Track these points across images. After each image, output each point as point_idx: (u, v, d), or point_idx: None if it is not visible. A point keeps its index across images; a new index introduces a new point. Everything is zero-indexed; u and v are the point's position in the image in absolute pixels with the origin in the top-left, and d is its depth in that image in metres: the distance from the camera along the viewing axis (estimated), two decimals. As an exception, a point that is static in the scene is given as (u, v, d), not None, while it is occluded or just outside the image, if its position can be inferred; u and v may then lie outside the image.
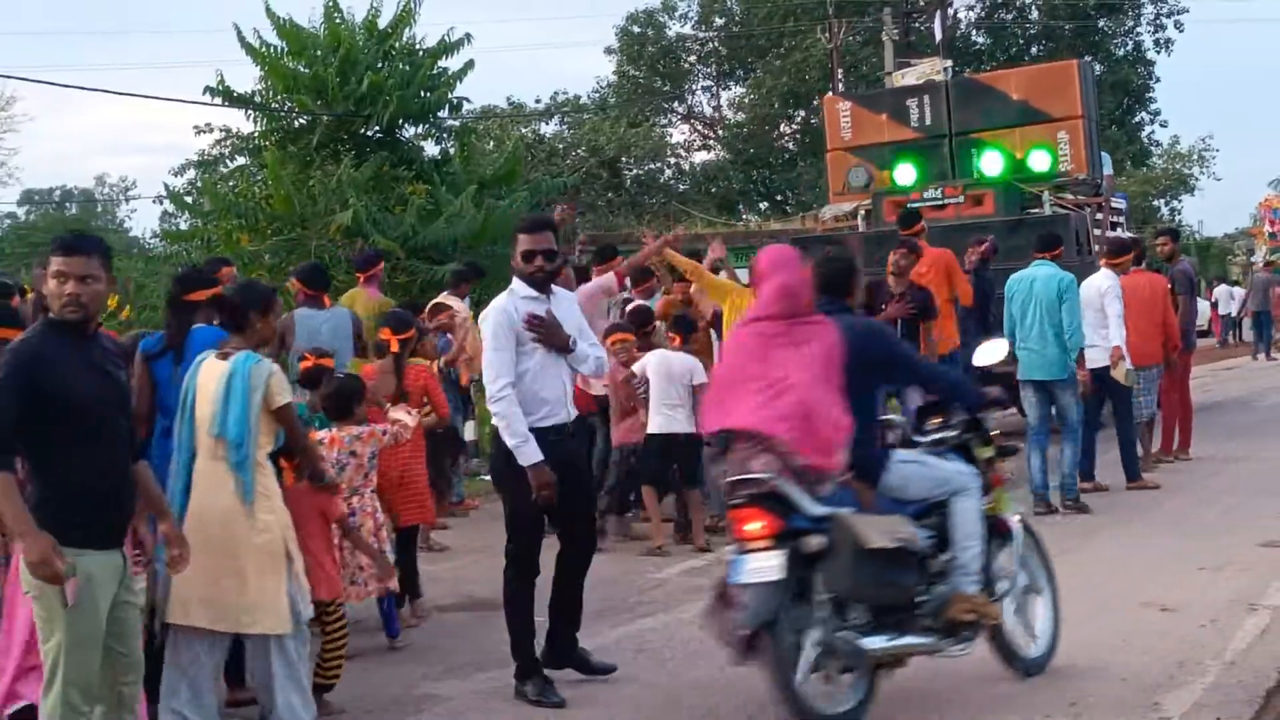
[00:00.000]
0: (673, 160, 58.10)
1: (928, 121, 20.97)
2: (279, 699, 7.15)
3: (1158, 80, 55.54)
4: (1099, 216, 20.23)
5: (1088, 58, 54.32)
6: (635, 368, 12.35)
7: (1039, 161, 19.81)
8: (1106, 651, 8.41)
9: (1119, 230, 20.90)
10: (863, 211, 20.78)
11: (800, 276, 7.38)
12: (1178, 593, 9.73)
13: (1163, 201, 60.18)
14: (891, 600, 7.13)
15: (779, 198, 56.93)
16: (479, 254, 21.34)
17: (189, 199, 26.04)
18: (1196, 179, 64.60)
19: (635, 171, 54.74)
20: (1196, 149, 65.20)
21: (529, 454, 7.78)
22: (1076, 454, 13.80)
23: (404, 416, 9.39)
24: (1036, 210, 19.24)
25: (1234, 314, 42.34)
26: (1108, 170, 23.46)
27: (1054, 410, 13.78)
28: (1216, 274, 55.16)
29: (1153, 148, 59.67)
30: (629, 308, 13.48)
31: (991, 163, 19.97)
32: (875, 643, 7.04)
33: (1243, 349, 38.74)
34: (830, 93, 45.97)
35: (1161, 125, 58.07)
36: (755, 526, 6.89)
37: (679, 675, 8.41)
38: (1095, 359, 14.25)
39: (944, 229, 17.89)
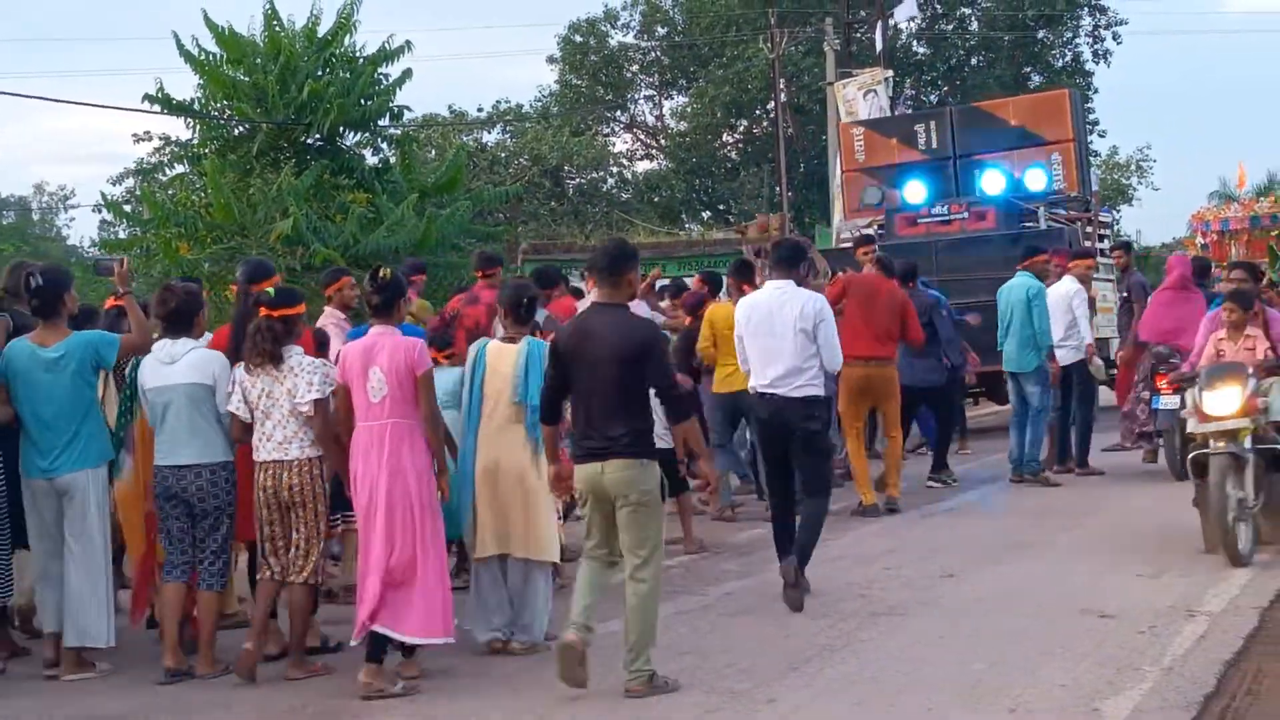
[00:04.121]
0: (615, 169, 58.23)
1: (934, 145, 22.75)
2: (538, 615, 9.16)
3: (1096, 91, 55.95)
4: (1089, 230, 22.13)
5: (1027, 68, 54.95)
6: None
7: (1035, 181, 21.68)
8: (1046, 658, 8.44)
9: (1105, 242, 22.75)
10: (876, 227, 21.91)
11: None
12: (1117, 599, 9.77)
13: (1103, 211, 60.49)
14: None
15: (721, 207, 57.02)
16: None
17: (128, 207, 25.88)
18: (1135, 189, 65.18)
19: (578, 180, 54.79)
20: (1135, 159, 65.77)
21: None
22: (1039, 436, 15.89)
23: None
24: (1033, 225, 20.88)
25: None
26: (1096, 188, 26.13)
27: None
28: (1154, 283, 55.51)
29: (1092, 158, 60.05)
30: None
31: (992, 182, 21.67)
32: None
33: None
34: (772, 102, 46.27)
35: (1100, 135, 58.42)
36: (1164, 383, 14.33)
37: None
38: (1064, 357, 15.95)
39: (949, 242, 20.48)
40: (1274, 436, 11.24)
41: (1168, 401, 14.52)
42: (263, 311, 8.79)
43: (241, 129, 24.83)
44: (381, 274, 8.72)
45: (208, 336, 9.55)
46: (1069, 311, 16.04)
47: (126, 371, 9.53)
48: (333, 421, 8.69)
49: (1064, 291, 16.11)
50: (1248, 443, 10.97)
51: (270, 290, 8.94)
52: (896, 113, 35.37)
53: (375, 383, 8.42)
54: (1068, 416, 16.41)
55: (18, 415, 9.05)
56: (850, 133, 24.40)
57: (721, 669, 8.54)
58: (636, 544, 8.08)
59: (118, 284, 9.51)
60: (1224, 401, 10.97)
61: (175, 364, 8.94)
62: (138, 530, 9.49)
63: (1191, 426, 11.32)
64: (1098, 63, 56.59)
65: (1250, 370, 11.18)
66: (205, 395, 8.91)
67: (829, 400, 11.61)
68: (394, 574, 8.33)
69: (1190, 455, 11.29)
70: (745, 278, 13.62)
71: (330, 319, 11.73)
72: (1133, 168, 65.54)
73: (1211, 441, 10.93)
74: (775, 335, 10.33)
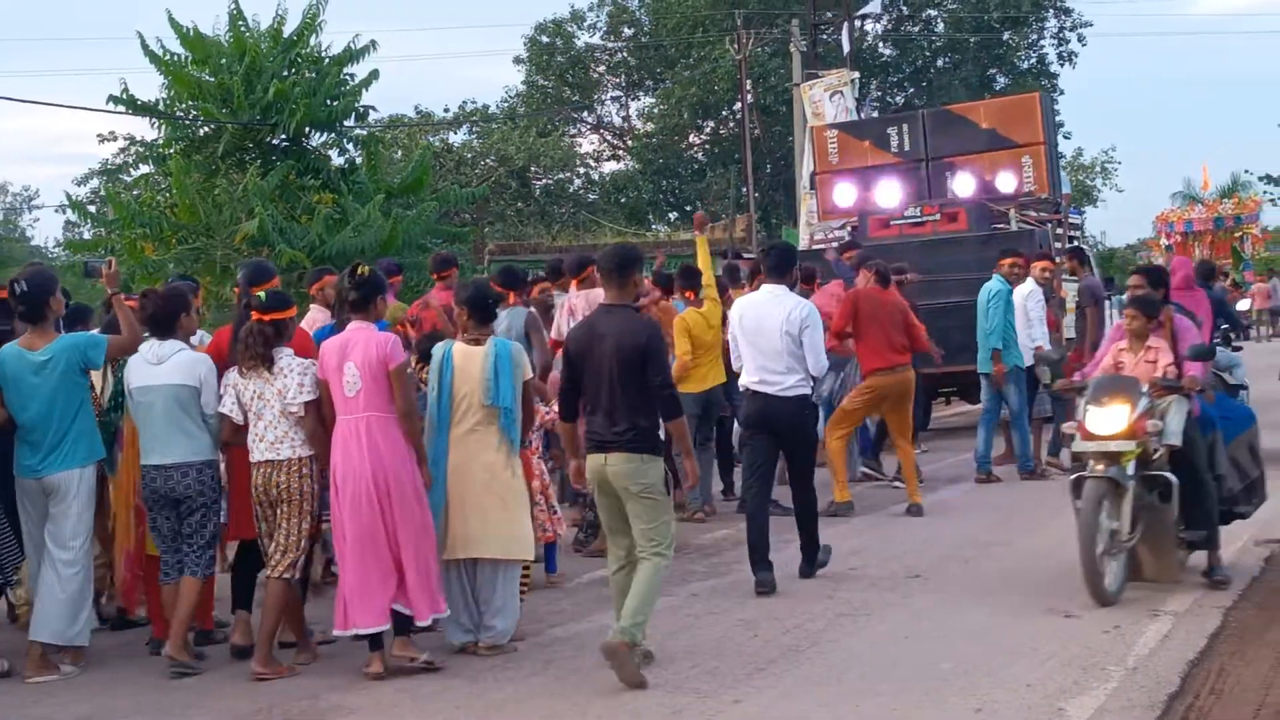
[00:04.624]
0: (582, 170, 58.18)
1: (906, 147, 22.75)
2: (506, 617, 9.15)
3: (1061, 93, 56.22)
4: (1059, 231, 22.16)
5: (992, 70, 55.12)
6: None
7: (1006, 183, 21.56)
8: (1011, 658, 8.47)
9: (1076, 243, 22.86)
10: (849, 228, 22.18)
11: None
12: (1082, 599, 9.79)
13: (1073, 213, 60.67)
14: None
15: (688, 208, 56.98)
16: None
17: (92, 208, 25.77)
18: (1100, 191, 65.46)
19: (544, 181, 54.71)
20: (1099, 161, 66.06)
21: None
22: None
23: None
24: (1004, 226, 20.98)
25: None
26: (1066, 190, 25.94)
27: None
28: (1120, 284, 55.76)
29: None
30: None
31: (964, 184, 21.67)
32: None
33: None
34: (738, 104, 46.32)
35: (1065, 137, 58.63)
36: None
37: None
38: (1031, 358, 16.00)
39: (922, 244, 20.50)
40: (1164, 463, 10.00)
41: None
42: (254, 315, 8.99)
43: (207, 129, 24.75)
44: (359, 271, 8.99)
45: (204, 337, 9.66)
46: (1026, 313, 16.33)
47: (119, 371, 9.70)
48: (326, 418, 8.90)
49: (1022, 293, 16.39)
50: (1131, 468, 9.81)
51: (261, 294, 9.09)
52: (862, 114, 35.47)
53: (350, 377, 8.67)
54: (1062, 412, 16.32)
55: (11, 418, 9.19)
56: (823, 135, 24.51)
57: (688, 670, 8.54)
58: (647, 532, 8.52)
59: (106, 285, 9.64)
60: (1109, 419, 9.84)
61: (161, 365, 9.08)
62: (126, 526, 9.73)
63: (1075, 445, 10.19)
64: (1063, 64, 56.88)
65: (1144, 387, 10.01)
66: (190, 396, 9.05)
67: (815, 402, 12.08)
68: (396, 563, 8.66)
69: (1071, 476, 10.27)
70: (690, 284, 13.92)
71: (318, 316, 11.78)
72: (1098, 169, 65.85)
73: (1090, 463, 9.85)
74: (765, 336, 11.01)
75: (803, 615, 9.85)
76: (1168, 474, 9.92)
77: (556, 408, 10.18)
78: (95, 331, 10.29)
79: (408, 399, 8.82)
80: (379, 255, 21.84)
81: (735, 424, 14.69)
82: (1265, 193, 56.99)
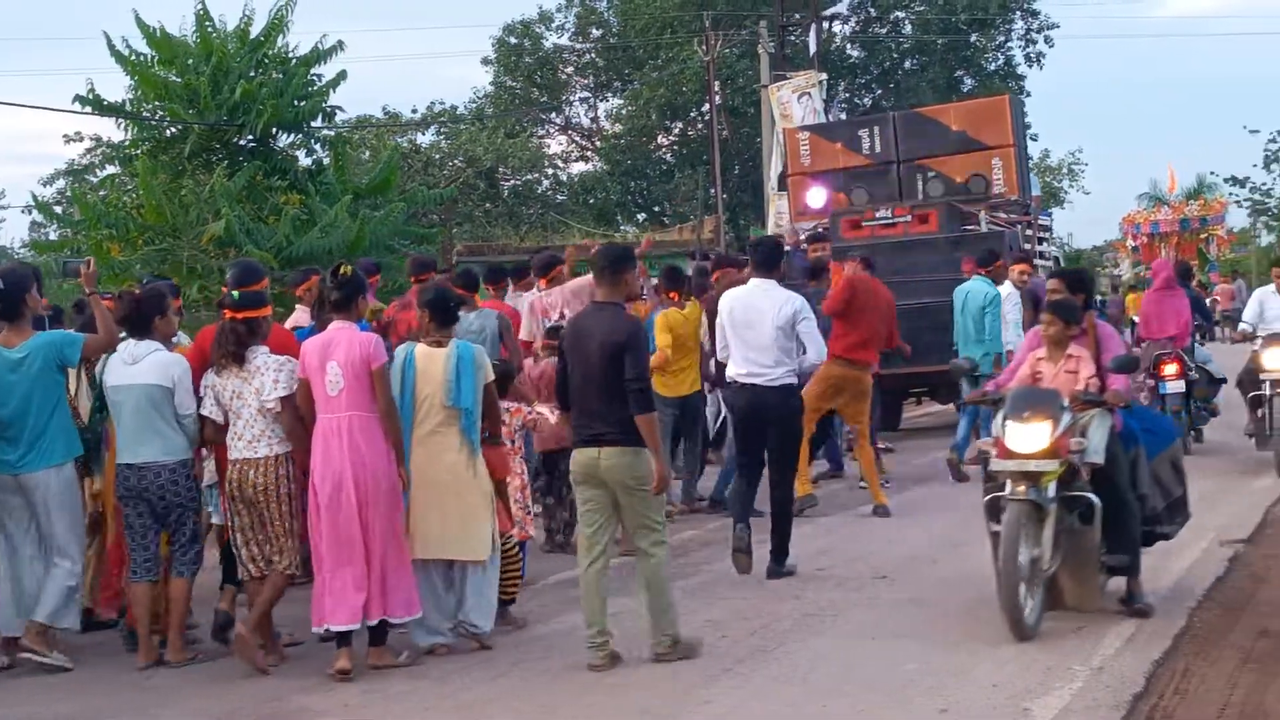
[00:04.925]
0: (550, 171, 58.06)
1: (877, 149, 23.02)
2: (484, 609, 9.27)
3: (1028, 94, 56.18)
4: (1029, 233, 22.48)
5: (959, 71, 55.26)
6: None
7: (976, 185, 21.94)
8: (977, 658, 8.50)
9: (1045, 245, 23.50)
10: (821, 229, 22.08)
11: None
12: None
13: (1042, 215, 60.82)
14: None
15: (656, 209, 57.03)
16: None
17: (58, 208, 25.63)
18: (1066, 192, 65.71)
19: (513, 182, 54.60)
20: (1066, 162, 66.33)
21: None
22: (969, 430, 16.07)
23: (545, 410, 10.93)
24: (974, 228, 20.98)
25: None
26: (1036, 192, 26.11)
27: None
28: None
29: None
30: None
31: (934, 186, 22.15)
32: None
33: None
34: (707, 105, 46.37)
35: (1032, 139, 58.76)
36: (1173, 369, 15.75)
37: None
38: None
39: (892, 245, 20.34)
40: (1084, 483, 9.19)
41: (1173, 386, 16.96)
42: (226, 314, 9.14)
43: (173, 130, 24.60)
44: (342, 271, 9.13)
45: (183, 339, 9.77)
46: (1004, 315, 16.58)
47: (96, 370, 9.76)
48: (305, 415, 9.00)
49: (1002, 295, 16.67)
50: (1052, 489, 8.99)
51: (234, 293, 9.19)
52: (830, 115, 35.53)
53: (333, 376, 8.78)
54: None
55: None
56: (795, 137, 24.73)
57: (655, 670, 8.56)
58: (641, 524, 8.84)
59: (84, 285, 9.73)
60: (1029, 437, 8.98)
61: (137, 364, 9.21)
62: (110, 522, 9.88)
63: (993, 464, 9.31)
64: (1030, 66, 56.94)
65: (1065, 401, 9.19)
66: (164, 396, 9.17)
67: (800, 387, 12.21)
68: (370, 562, 8.75)
69: (985, 497, 9.42)
70: (674, 285, 13.99)
71: (302, 316, 11.80)
72: (1064, 171, 66.15)
73: (1009, 484, 9.02)
74: (755, 330, 11.31)
75: (770, 615, 9.87)
76: (1089, 495, 9.13)
77: (538, 408, 10.78)
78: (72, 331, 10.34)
79: (388, 399, 8.91)
80: (348, 256, 21.84)
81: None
82: (1230, 194, 57.36)
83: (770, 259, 11.71)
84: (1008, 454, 9.03)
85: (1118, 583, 9.67)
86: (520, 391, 11.28)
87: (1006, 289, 16.75)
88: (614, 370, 8.69)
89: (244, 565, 9.15)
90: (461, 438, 9.22)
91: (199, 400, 9.20)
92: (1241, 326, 16.83)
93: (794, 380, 11.53)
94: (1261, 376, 15.58)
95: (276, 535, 9.04)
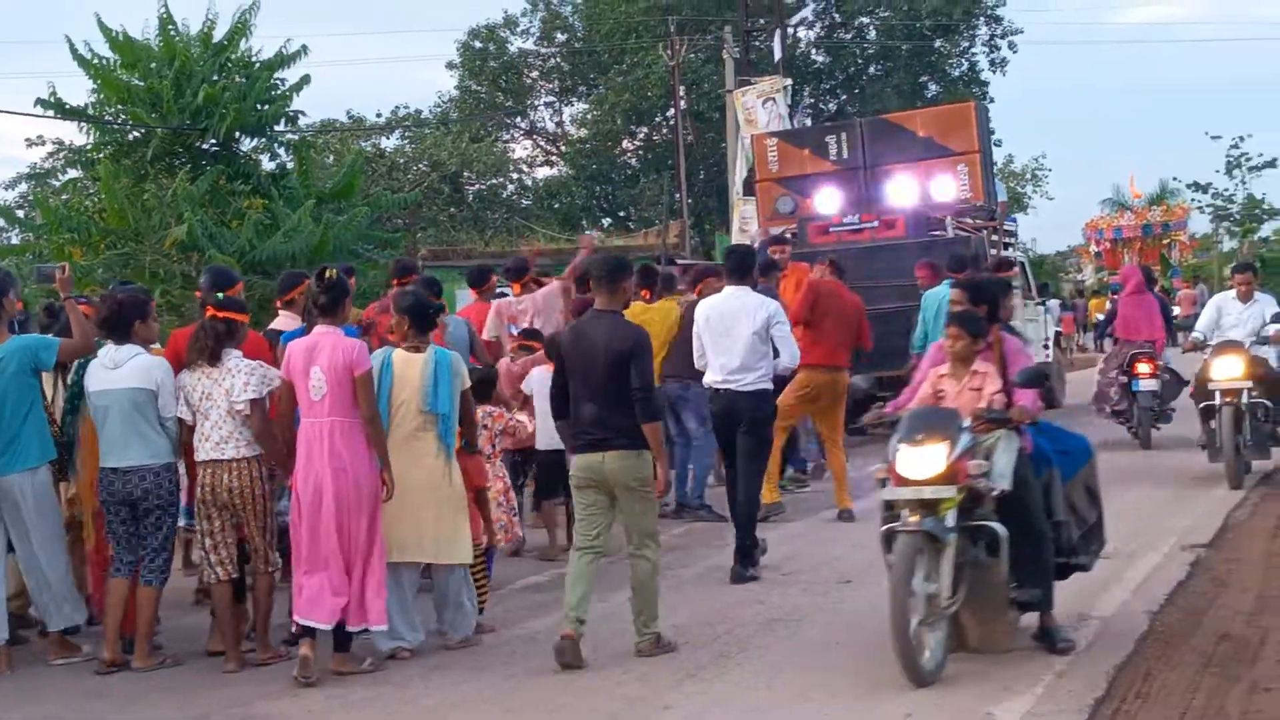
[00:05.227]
0: (515, 175, 57.98)
1: (845, 155, 23.13)
2: (465, 611, 9.47)
3: (992, 100, 56.40)
4: (994, 238, 22.54)
5: (924, 77, 55.40)
6: (523, 385, 12.73)
7: (942, 190, 22.00)
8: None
9: (1010, 250, 23.61)
10: (789, 234, 22.28)
11: None
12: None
13: (1008, 221, 60.98)
14: None
15: (622, 214, 57.05)
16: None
17: (20, 213, 25.47)
18: (1030, 198, 65.95)
19: (477, 186, 54.52)
20: (1030, 168, 66.59)
21: None
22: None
23: (523, 418, 11.49)
24: (940, 233, 21.27)
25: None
26: (1002, 197, 26.18)
27: None
28: (1055, 290, 56.24)
29: (988, 167, 60.43)
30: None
31: (901, 192, 22.08)
32: None
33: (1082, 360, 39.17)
34: (672, 109, 46.41)
35: (996, 145, 58.93)
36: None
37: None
38: None
39: (860, 250, 20.57)
40: (989, 511, 8.32)
41: (1146, 384, 18.26)
42: (209, 311, 9.28)
43: (136, 134, 24.50)
44: (328, 275, 9.19)
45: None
46: None
47: (71, 375, 9.83)
48: (281, 416, 9.12)
49: None
50: (951, 518, 8.09)
51: (219, 294, 9.39)
52: (795, 120, 35.65)
53: (316, 381, 8.84)
54: None
55: None
56: (764, 143, 24.88)
57: (619, 675, 8.56)
58: (639, 526, 9.11)
59: (60, 290, 9.74)
60: (923, 461, 8.17)
61: (119, 369, 9.24)
62: (89, 527, 9.86)
63: (885, 491, 8.50)
64: (994, 72, 57.09)
65: (966, 421, 8.39)
66: (147, 400, 9.22)
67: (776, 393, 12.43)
68: (346, 567, 8.81)
69: (882, 528, 8.44)
70: (647, 283, 14.12)
71: (287, 321, 11.75)
72: (1028, 176, 66.40)
73: (903, 513, 8.19)
74: (730, 336, 11.59)
75: (733, 621, 9.88)
76: (994, 524, 8.24)
77: (518, 415, 11.24)
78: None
79: (372, 405, 8.96)
80: (308, 261, 21.77)
81: None
82: (1193, 200, 57.58)
83: (743, 266, 12.00)
84: (901, 480, 8.24)
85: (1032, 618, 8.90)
86: (501, 397, 11.53)
87: None
88: (619, 377, 8.96)
89: (212, 569, 9.17)
90: (438, 443, 9.32)
91: (176, 402, 9.25)
92: (1193, 335, 16.54)
93: (769, 386, 11.75)
94: (1210, 386, 15.27)
95: (253, 537, 9.15)
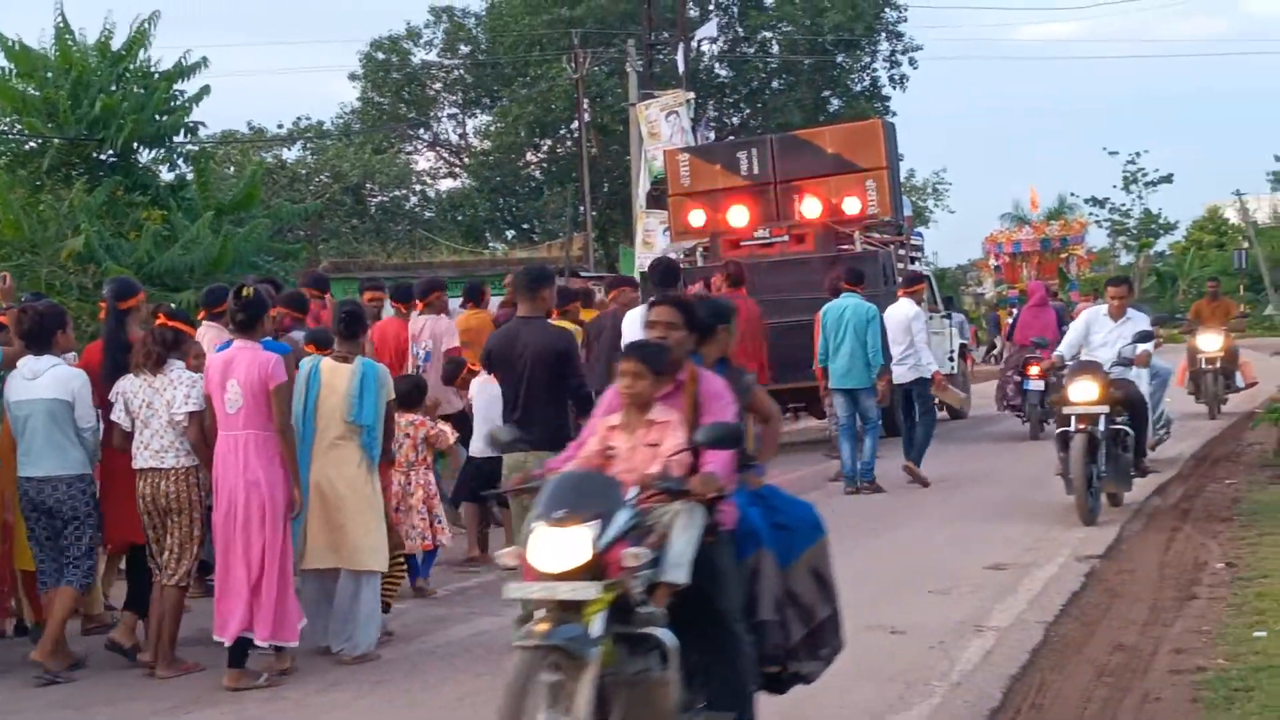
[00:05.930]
0: (418, 187, 57.78)
1: (755, 171, 23.28)
2: (365, 627, 9.44)
3: (894, 115, 56.82)
4: (901, 252, 23.25)
5: (826, 91, 55.75)
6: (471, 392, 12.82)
7: (850, 206, 22.32)
8: (835, 674, 8.43)
9: (917, 264, 24.13)
10: (701, 249, 23.18)
11: None
12: (907, 615, 9.93)
13: (914, 235, 61.53)
14: None
15: (525, 226, 56.98)
16: (218, 281, 20.92)
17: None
18: (932, 211, 66.56)
19: (380, 198, 54.26)
20: (931, 182, 67.22)
21: None
22: (875, 446, 16.66)
23: (446, 428, 11.81)
24: (849, 247, 21.77)
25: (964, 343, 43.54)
26: (908, 212, 27.10)
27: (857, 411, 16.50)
28: (959, 304, 56.81)
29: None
30: None
31: (810, 207, 22.37)
32: None
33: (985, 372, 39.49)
34: (575, 122, 46.42)
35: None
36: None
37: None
38: (901, 375, 16.97)
39: (770, 264, 21.30)
40: (658, 615, 5.98)
41: (1034, 384, 20.35)
42: (160, 318, 9.40)
43: (32, 144, 24.25)
44: (244, 292, 9.25)
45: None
46: (907, 333, 17.03)
47: None
48: (208, 432, 9.13)
49: (903, 314, 17.22)
50: (598, 624, 5.72)
51: (173, 304, 9.67)
52: (698, 134, 35.70)
53: (232, 395, 8.93)
54: (913, 429, 17.28)
55: None
56: (676, 158, 25.07)
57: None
58: None
59: (1, 300, 9.95)
60: (560, 548, 5.83)
61: (37, 379, 9.28)
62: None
63: (511, 590, 6.01)
64: (895, 87, 57.54)
65: (631, 491, 6.11)
66: (64, 410, 9.26)
67: None
68: (252, 581, 8.83)
69: (518, 630, 5.94)
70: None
71: (213, 334, 11.66)
72: (930, 190, 67.02)
73: (534, 615, 5.89)
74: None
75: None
76: (659, 631, 5.96)
77: (440, 425, 11.59)
78: None
79: (285, 418, 9.06)
80: (207, 273, 21.59)
81: None
82: (1091, 215, 58.46)
83: (668, 278, 12.64)
84: (534, 574, 5.91)
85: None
86: (425, 405, 11.87)
87: (911, 308, 17.34)
88: (553, 378, 9.47)
89: (160, 573, 9.23)
90: (361, 453, 9.55)
91: (109, 407, 9.28)
92: (1055, 353, 15.20)
93: None
94: (1065, 410, 13.95)
95: (180, 544, 9.15)
